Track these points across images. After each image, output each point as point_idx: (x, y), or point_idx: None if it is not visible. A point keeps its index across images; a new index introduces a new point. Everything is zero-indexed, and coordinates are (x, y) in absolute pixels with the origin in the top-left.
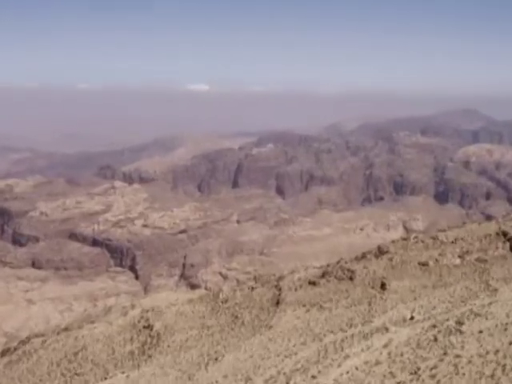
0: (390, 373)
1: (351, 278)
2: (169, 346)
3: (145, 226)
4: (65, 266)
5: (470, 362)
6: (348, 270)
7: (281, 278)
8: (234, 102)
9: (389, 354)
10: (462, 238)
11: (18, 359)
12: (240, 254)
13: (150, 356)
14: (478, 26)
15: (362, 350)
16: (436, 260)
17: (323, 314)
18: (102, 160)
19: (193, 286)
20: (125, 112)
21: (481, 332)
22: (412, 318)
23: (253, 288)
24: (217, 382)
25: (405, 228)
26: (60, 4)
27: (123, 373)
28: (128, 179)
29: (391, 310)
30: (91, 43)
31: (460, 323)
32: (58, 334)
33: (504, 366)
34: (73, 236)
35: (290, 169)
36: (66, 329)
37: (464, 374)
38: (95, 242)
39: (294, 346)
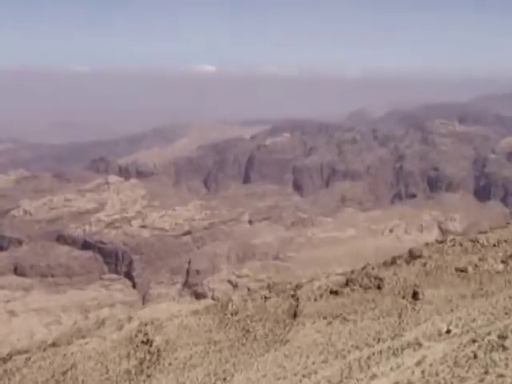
0: None
1: (379, 287)
2: (170, 364)
3: (143, 226)
4: (52, 272)
5: None
6: (375, 277)
7: (298, 287)
8: (244, 85)
9: (422, 372)
10: (505, 241)
11: None
12: (252, 258)
13: (149, 376)
14: None
15: (392, 369)
16: (476, 266)
17: (347, 328)
18: (95, 152)
19: (198, 296)
20: (121, 97)
21: None
22: (448, 331)
23: (266, 298)
24: None
25: (440, 229)
26: None
27: None
28: (124, 173)
29: (425, 322)
30: (83, 21)
31: (503, 338)
32: (44, 350)
33: None
34: (61, 238)
35: (309, 161)
36: (53, 344)
37: None
38: (86, 245)
39: (313, 363)
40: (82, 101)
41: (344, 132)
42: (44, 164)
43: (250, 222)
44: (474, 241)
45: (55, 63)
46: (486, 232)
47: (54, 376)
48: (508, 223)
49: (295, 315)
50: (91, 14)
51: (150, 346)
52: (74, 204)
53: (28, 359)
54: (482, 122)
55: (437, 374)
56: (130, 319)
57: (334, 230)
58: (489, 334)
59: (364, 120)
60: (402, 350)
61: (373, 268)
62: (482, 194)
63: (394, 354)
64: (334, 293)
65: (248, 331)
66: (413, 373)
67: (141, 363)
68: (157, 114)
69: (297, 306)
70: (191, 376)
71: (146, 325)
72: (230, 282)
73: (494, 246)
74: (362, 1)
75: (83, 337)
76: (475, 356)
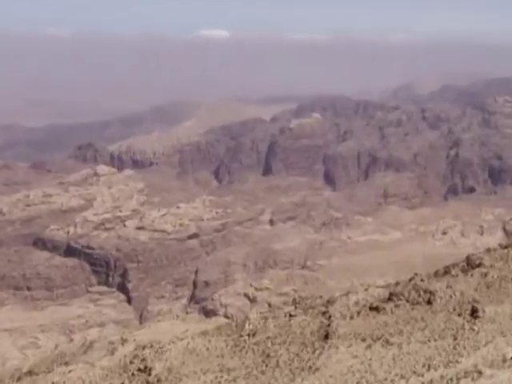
0: None
1: (429, 302)
2: None
3: (140, 228)
4: (28, 284)
5: None
6: (425, 290)
7: (331, 302)
8: (264, 54)
9: None
10: None
11: None
12: (274, 267)
13: None
14: None
15: None
16: None
17: (390, 352)
18: (80, 136)
19: (207, 313)
20: (112, 69)
21: None
22: None
23: (291, 315)
24: None
25: (505, 231)
26: None
27: None
28: (117, 163)
29: (485, 346)
30: None
31: None
32: (19, 379)
33: None
34: (39, 242)
35: (344, 148)
36: (29, 373)
37: None
38: (71, 251)
39: None
40: (63, 73)
41: (387, 112)
42: (18, 151)
43: (272, 222)
44: None
45: (28, 26)
46: None
47: None
48: None
49: (327, 337)
50: None
51: (149, 374)
52: (56, 200)
53: None
54: None
55: None
56: (124, 342)
57: (375, 233)
58: None
59: (411, 97)
60: (458, 379)
61: (422, 279)
62: None
63: None
64: (375, 309)
65: (269, 356)
66: None
67: None
68: (157, 89)
69: (328, 325)
70: None
71: (143, 348)
72: (246, 296)
73: None
74: None
75: (66, 363)
76: None
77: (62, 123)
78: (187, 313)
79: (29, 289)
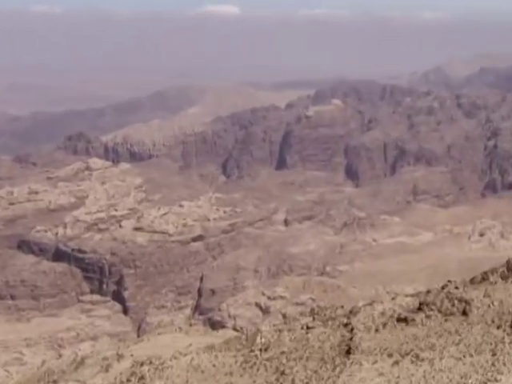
0: None
1: (465, 313)
2: None
3: (138, 229)
4: (12, 292)
5: None
6: (460, 299)
7: (353, 313)
8: (278, 33)
9: None
10: None
11: None
12: (289, 273)
13: None
14: None
15: None
16: None
17: (420, 369)
18: (71, 125)
19: (214, 325)
20: (107, 50)
21: None
22: None
23: (309, 328)
24: None
25: None
26: None
27: None
28: (112, 155)
29: None
30: None
31: None
32: None
33: None
34: (24, 245)
35: (368, 139)
36: None
37: None
38: (60, 255)
39: None
40: (51, 54)
41: (416, 98)
42: (1, 142)
43: (286, 222)
44: None
45: (16, 2)
46: None
47: None
48: None
49: (349, 352)
50: None
51: None
52: (43, 198)
53: None
54: None
55: None
56: (119, 357)
57: (403, 234)
58: None
59: (444, 81)
60: None
61: (456, 287)
62: None
63: None
64: (403, 321)
65: (283, 374)
66: None
67: None
68: (157, 73)
69: (351, 338)
70: None
71: (141, 365)
72: (258, 305)
73: None
74: None
75: (55, 382)
76: None
77: (50, 111)
78: (191, 325)
79: (12, 297)
